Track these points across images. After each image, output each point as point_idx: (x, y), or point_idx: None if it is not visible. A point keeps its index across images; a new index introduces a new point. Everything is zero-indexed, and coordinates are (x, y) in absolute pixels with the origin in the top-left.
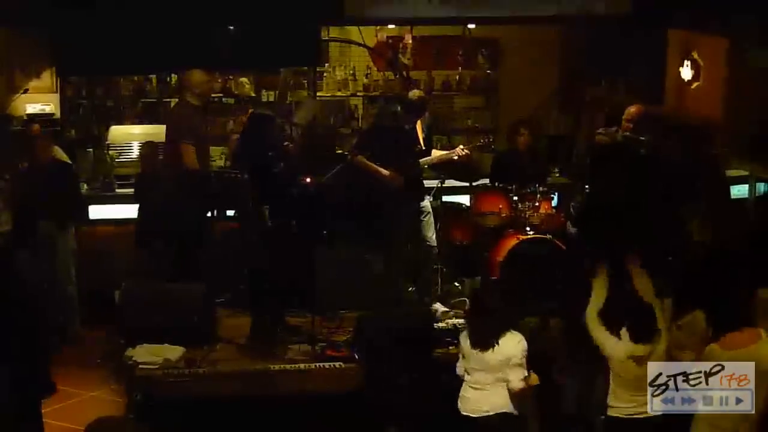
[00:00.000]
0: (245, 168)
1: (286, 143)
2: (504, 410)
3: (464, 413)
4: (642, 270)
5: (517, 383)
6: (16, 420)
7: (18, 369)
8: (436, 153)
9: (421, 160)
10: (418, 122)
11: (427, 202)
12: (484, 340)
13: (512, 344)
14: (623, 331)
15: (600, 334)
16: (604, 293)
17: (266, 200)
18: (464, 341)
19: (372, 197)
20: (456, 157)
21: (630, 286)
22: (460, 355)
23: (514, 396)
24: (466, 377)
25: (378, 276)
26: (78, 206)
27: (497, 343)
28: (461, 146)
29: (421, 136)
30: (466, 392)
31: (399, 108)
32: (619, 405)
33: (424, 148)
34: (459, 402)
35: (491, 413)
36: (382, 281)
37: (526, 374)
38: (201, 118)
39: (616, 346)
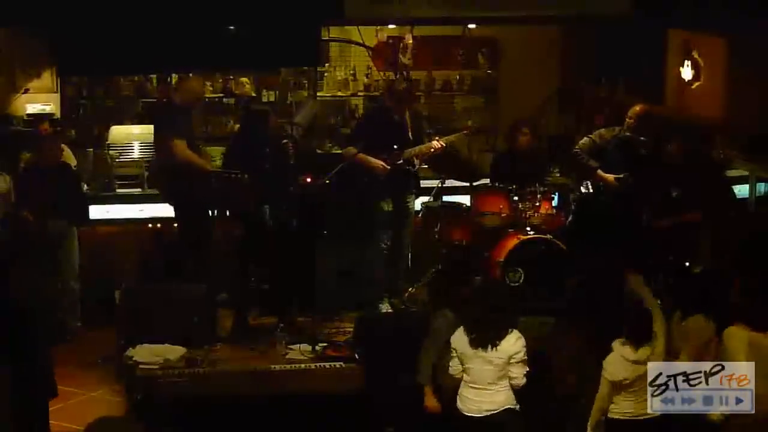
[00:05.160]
0: (237, 166)
1: (284, 141)
2: (507, 406)
3: (466, 413)
4: (638, 276)
5: (521, 379)
6: (21, 419)
7: (22, 368)
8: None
9: (403, 152)
10: (407, 115)
11: (413, 203)
12: (488, 340)
13: (512, 341)
14: (622, 341)
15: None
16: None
17: (267, 200)
18: (458, 342)
19: (368, 194)
20: (432, 150)
21: (627, 290)
22: (454, 356)
23: (518, 392)
24: (465, 377)
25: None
26: (82, 207)
27: (499, 343)
28: (437, 138)
29: (409, 128)
30: (466, 392)
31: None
32: (620, 408)
33: (411, 138)
34: (459, 402)
35: (496, 411)
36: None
37: (528, 369)
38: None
39: (621, 360)
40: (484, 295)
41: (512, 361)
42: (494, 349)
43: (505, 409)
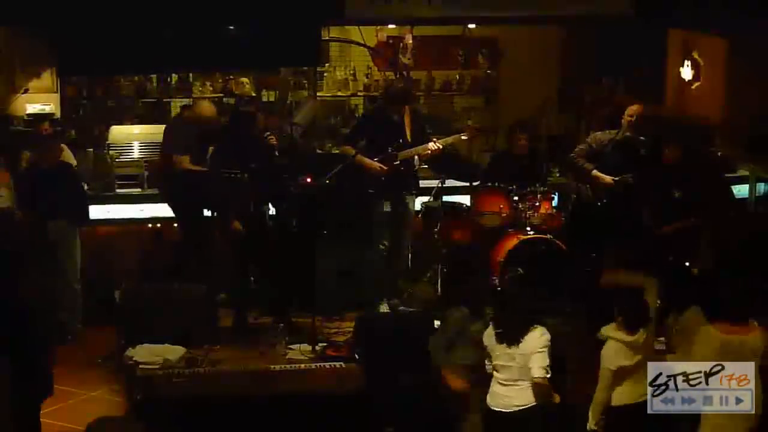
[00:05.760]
0: (224, 166)
1: (267, 133)
2: (534, 404)
3: (495, 408)
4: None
5: (537, 371)
6: (21, 419)
7: (21, 367)
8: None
9: (399, 153)
10: (407, 115)
11: (413, 203)
12: (510, 336)
13: (535, 337)
14: (616, 325)
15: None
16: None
17: (267, 200)
18: (488, 338)
19: (367, 194)
20: (429, 152)
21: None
22: (486, 353)
23: (535, 387)
24: (495, 374)
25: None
26: (82, 207)
27: (522, 339)
28: (434, 140)
29: (408, 128)
30: (496, 388)
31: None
32: (620, 394)
33: (410, 139)
34: (489, 397)
35: (524, 407)
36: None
37: (548, 362)
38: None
39: (618, 346)
40: (509, 292)
41: (532, 353)
42: (517, 345)
43: (533, 407)
